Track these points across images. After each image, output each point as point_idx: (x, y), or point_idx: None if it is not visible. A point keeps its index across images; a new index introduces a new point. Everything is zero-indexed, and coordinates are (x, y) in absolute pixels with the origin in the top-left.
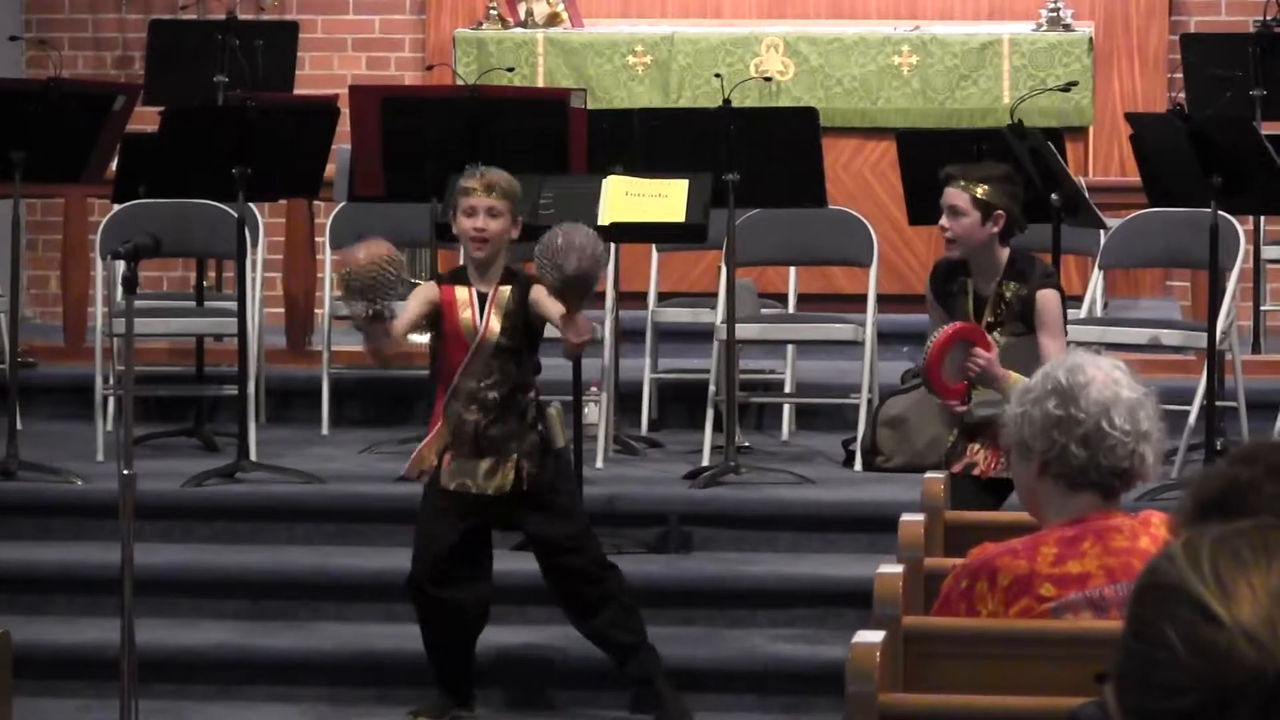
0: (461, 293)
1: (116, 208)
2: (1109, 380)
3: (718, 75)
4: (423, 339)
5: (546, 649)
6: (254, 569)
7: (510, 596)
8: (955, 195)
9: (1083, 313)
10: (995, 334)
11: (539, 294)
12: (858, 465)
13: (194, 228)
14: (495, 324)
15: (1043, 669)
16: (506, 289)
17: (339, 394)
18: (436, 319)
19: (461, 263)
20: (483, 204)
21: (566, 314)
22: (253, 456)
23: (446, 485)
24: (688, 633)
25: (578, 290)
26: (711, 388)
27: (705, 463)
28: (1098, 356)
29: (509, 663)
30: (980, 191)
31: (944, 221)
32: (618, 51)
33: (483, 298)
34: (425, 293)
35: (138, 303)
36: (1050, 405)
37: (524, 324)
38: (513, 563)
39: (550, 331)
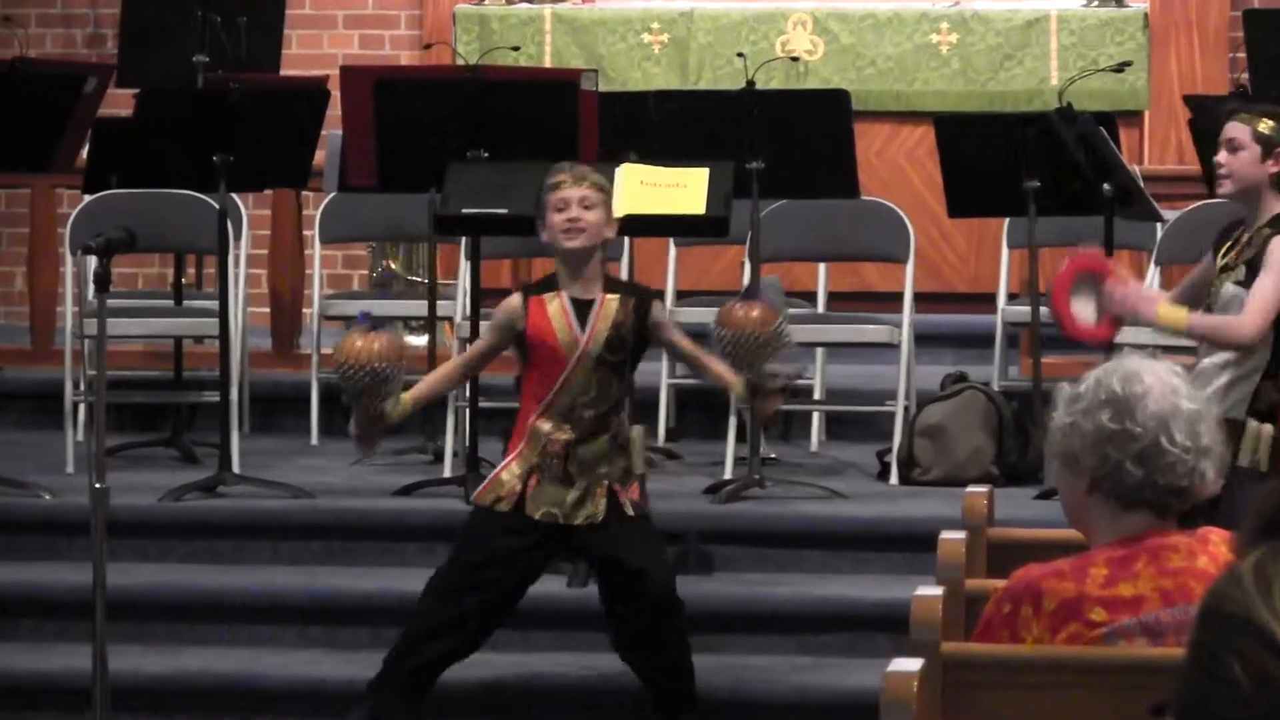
0: (554, 303)
1: (87, 198)
2: (1167, 390)
3: (740, 55)
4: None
5: (543, 675)
6: (236, 590)
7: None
8: (1235, 129)
9: None
10: (1223, 277)
11: (665, 317)
12: (893, 478)
13: (172, 220)
14: (600, 336)
15: (1093, 700)
16: (614, 298)
17: (329, 401)
18: (522, 337)
19: (552, 271)
20: (575, 194)
21: (766, 405)
22: (235, 469)
23: (532, 513)
24: (707, 661)
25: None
26: (733, 394)
27: (727, 476)
28: (1154, 361)
29: (504, 690)
30: (1264, 126)
31: (1220, 156)
32: (632, 29)
33: (581, 306)
34: (501, 320)
35: (111, 302)
36: (1104, 417)
37: (633, 340)
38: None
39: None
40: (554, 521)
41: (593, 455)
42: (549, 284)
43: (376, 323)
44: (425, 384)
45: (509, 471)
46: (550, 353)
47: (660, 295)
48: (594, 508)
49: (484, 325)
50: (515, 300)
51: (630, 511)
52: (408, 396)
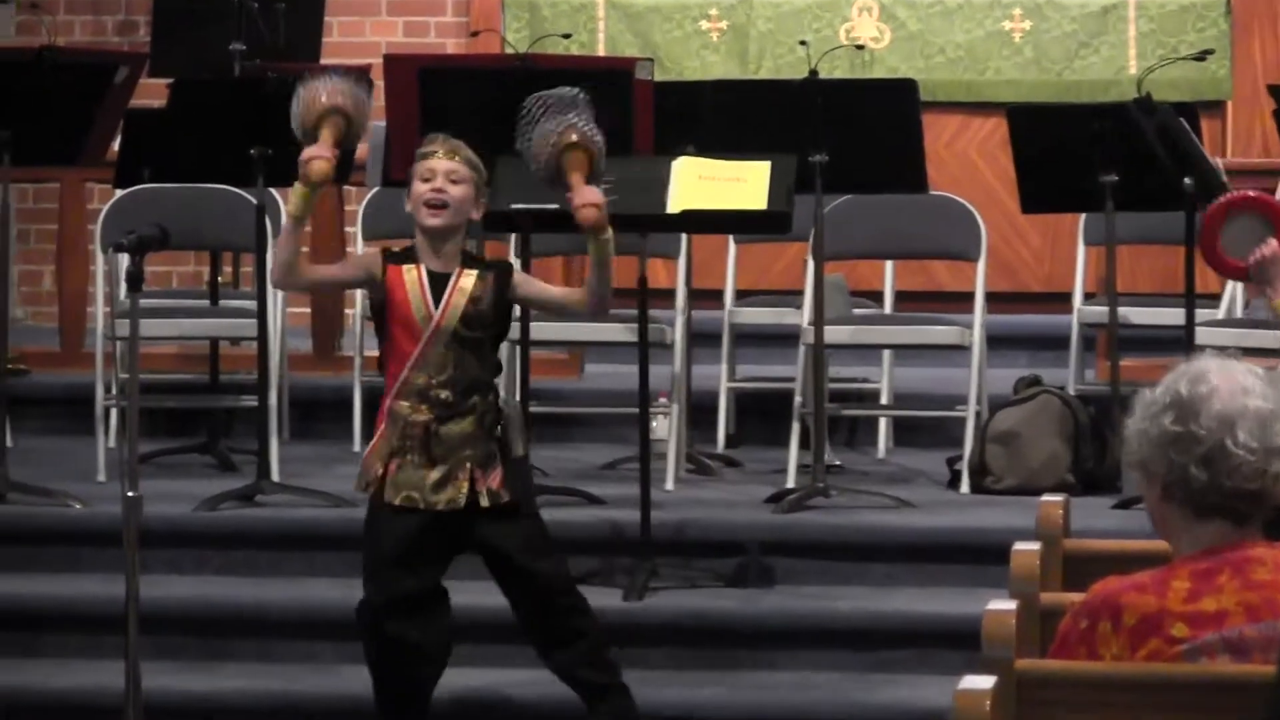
0: (411, 273)
1: (119, 194)
2: (1235, 390)
3: (803, 42)
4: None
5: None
6: (274, 604)
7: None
8: None
9: (1220, 313)
10: None
11: (522, 278)
12: (964, 487)
13: (207, 216)
14: (454, 310)
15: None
16: (473, 273)
17: (372, 406)
18: (381, 306)
19: (411, 242)
20: (442, 166)
21: (572, 182)
22: (274, 477)
23: (391, 499)
24: (769, 678)
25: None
26: (797, 399)
27: (790, 484)
28: (1230, 361)
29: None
30: None
31: None
32: (689, 16)
33: (438, 279)
34: (366, 260)
35: (143, 301)
36: (1167, 421)
37: (493, 315)
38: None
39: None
40: (414, 507)
41: (456, 437)
42: (409, 255)
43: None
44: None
45: (374, 454)
46: (405, 326)
47: (512, 268)
48: (455, 492)
49: (350, 257)
50: (377, 254)
51: (485, 502)
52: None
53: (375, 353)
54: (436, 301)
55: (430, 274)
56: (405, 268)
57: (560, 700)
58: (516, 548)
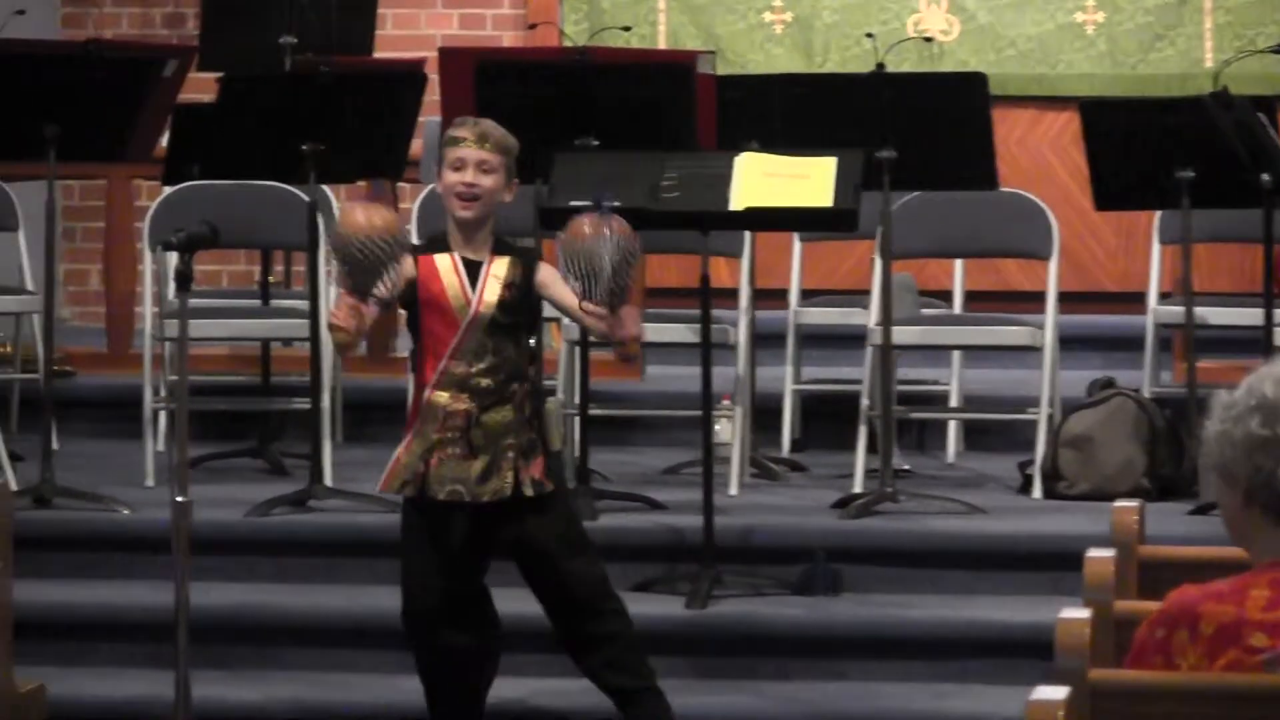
0: (444, 261)
1: (167, 191)
2: None
3: (870, 35)
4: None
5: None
6: (330, 613)
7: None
8: None
9: None
10: None
11: (549, 276)
12: (1036, 492)
13: (258, 214)
14: (491, 296)
15: None
16: (504, 260)
17: None
18: (413, 297)
19: (442, 231)
20: (473, 156)
21: (610, 314)
22: (327, 481)
23: (436, 494)
24: (837, 688)
25: (617, 290)
26: (864, 401)
27: (857, 489)
28: None
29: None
30: None
31: None
32: (753, 7)
33: (472, 266)
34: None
35: (193, 301)
36: (1253, 424)
37: (526, 301)
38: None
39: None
40: (459, 501)
41: (497, 426)
42: (439, 243)
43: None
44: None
45: (409, 453)
46: (442, 315)
47: (540, 256)
48: (500, 482)
49: None
50: (406, 256)
51: (529, 491)
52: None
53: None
54: (473, 287)
55: (464, 261)
56: (437, 256)
57: (593, 707)
58: (551, 544)
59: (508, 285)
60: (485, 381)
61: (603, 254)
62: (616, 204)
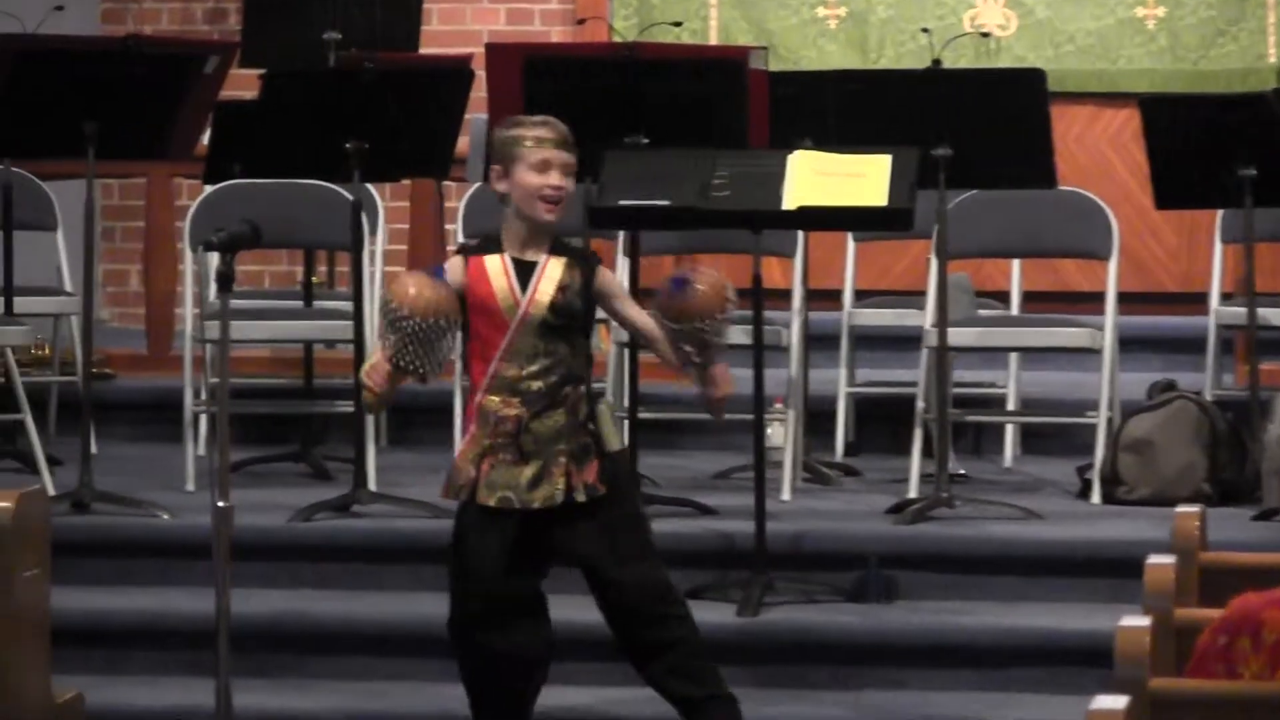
0: (494, 263)
1: (208, 189)
2: None
3: (925, 30)
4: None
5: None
6: (373, 620)
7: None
8: None
9: None
10: None
11: (612, 285)
12: (1095, 497)
13: (301, 213)
14: (543, 298)
15: None
16: (560, 261)
17: None
18: (462, 301)
19: (492, 232)
20: (559, 158)
21: (703, 367)
22: (371, 486)
23: (486, 500)
24: (891, 697)
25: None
26: (919, 404)
27: (912, 494)
28: None
29: None
30: None
31: None
32: (806, 2)
33: (524, 267)
34: (452, 279)
35: (234, 303)
36: None
37: (582, 305)
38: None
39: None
40: (509, 508)
41: (549, 431)
42: (490, 244)
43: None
44: None
45: (463, 457)
46: (490, 317)
47: (600, 261)
48: (550, 488)
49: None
50: (457, 260)
51: (580, 497)
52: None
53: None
54: (523, 289)
55: (516, 262)
56: (487, 258)
57: (657, 716)
58: (604, 549)
59: (562, 287)
60: (536, 385)
61: (705, 322)
62: (688, 279)
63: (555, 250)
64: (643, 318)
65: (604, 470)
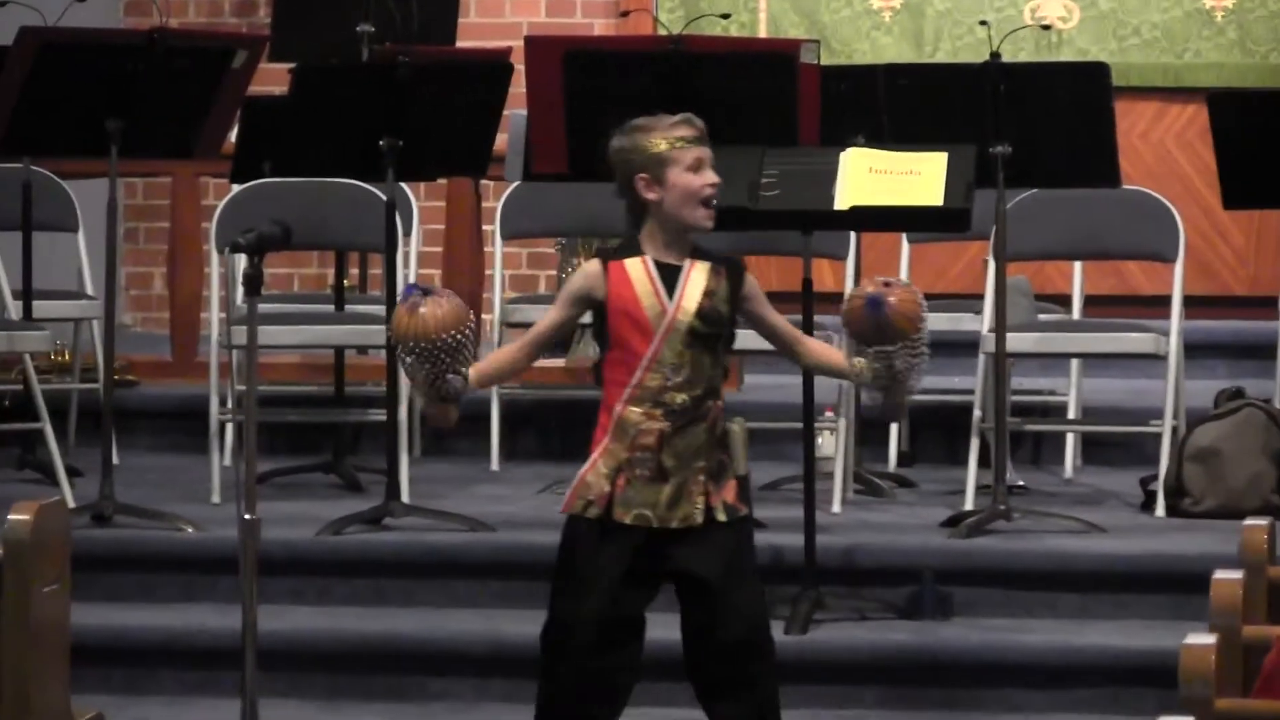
0: (636, 266)
1: (236, 189)
2: None
3: (984, 22)
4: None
5: None
6: (406, 637)
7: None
8: None
9: None
10: None
11: (757, 290)
12: (1159, 509)
13: (332, 213)
14: (690, 304)
15: None
16: (705, 265)
17: (512, 420)
18: (602, 308)
19: (631, 236)
20: (707, 155)
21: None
22: (405, 498)
23: (621, 518)
24: (947, 718)
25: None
26: (976, 412)
27: (968, 506)
28: None
29: None
30: None
31: None
32: None
33: (668, 271)
34: (584, 284)
35: (263, 307)
36: None
37: (728, 312)
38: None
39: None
40: (647, 525)
41: (689, 447)
42: (631, 247)
43: (425, 291)
44: (491, 363)
45: (595, 472)
46: (635, 324)
47: (745, 267)
48: (690, 507)
49: (561, 294)
50: (594, 266)
51: (722, 516)
52: (473, 374)
53: None
54: (670, 294)
55: (659, 265)
56: (628, 261)
57: None
58: (727, 571)
59: (708, 293)
60: (681, 397)
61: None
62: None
63: (698, 255)
64: (785, 324)
65: (742, 490)
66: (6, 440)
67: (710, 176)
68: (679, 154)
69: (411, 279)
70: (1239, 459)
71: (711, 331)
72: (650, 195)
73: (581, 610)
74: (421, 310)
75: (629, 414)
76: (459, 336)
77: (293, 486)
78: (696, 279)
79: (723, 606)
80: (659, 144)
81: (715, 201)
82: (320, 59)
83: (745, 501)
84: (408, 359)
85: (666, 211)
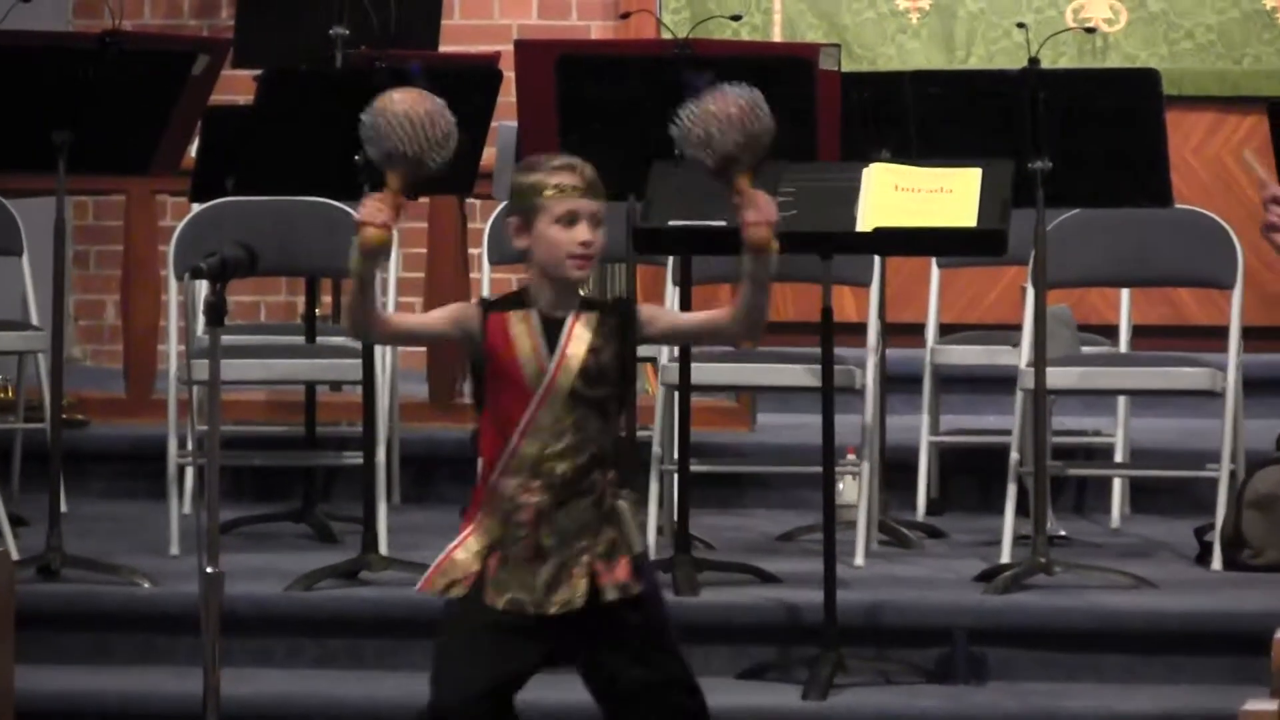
0: (518, 321)
1: (196, 208)
2: None
3: (1021, 25)
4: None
5: None
6: (385, 702)
7: None
8: None
9: None
10: None
11: (652, 312)
12: (1215, 562)
13: (302, 235)
14: (572, 362)
15: None
16: (591, 316)
17: None
18: (479, 363)
19: (520, 286)
20: (588, 208)
21: (740, 188)
22: (383, 550)
23: (494, 602)
24: None
25: (744, 159)
26: (1014, 455)
27: (1004, 559)
28: None
29: None
30: None
31: None
32: None
33: (551, 326)
34: (461, 314)
35: (226, 338)
36: None
37: (617, 368)
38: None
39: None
40: (520, 612)
41: (572, 524)
42: (518, 298)
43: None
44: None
45: (465, 549)
46: (511, 385)
47: (635, 301)
48: (570, 592)
49: (439, 311)
50: (473, 310)
51: (611, 596)
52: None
53: None
54: (550, 351)
55: (544, 320)
56: (513, 315)
57: None
58: (650, 667)
59: (593, 349)
60: (562, 467)
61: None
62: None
63: (585, 305)
64: (700, 314)
65: (636, 566)
66: None
67: (581, 234)
68: (550, 203)
69: (390, 308)
70: None
71: (598, 394)
72: (519, 242)
73: (449, 706)
74: (397, 95)
75: (504, 485)
76: (446, 127)
77: (259, 537)
78: (580, 334)
79: (667, 695)
80: (534, 190)
81: (587, 262)
82: (289, 64)
83: (644, 578)
84: (400, 126)
85: (538, 262)
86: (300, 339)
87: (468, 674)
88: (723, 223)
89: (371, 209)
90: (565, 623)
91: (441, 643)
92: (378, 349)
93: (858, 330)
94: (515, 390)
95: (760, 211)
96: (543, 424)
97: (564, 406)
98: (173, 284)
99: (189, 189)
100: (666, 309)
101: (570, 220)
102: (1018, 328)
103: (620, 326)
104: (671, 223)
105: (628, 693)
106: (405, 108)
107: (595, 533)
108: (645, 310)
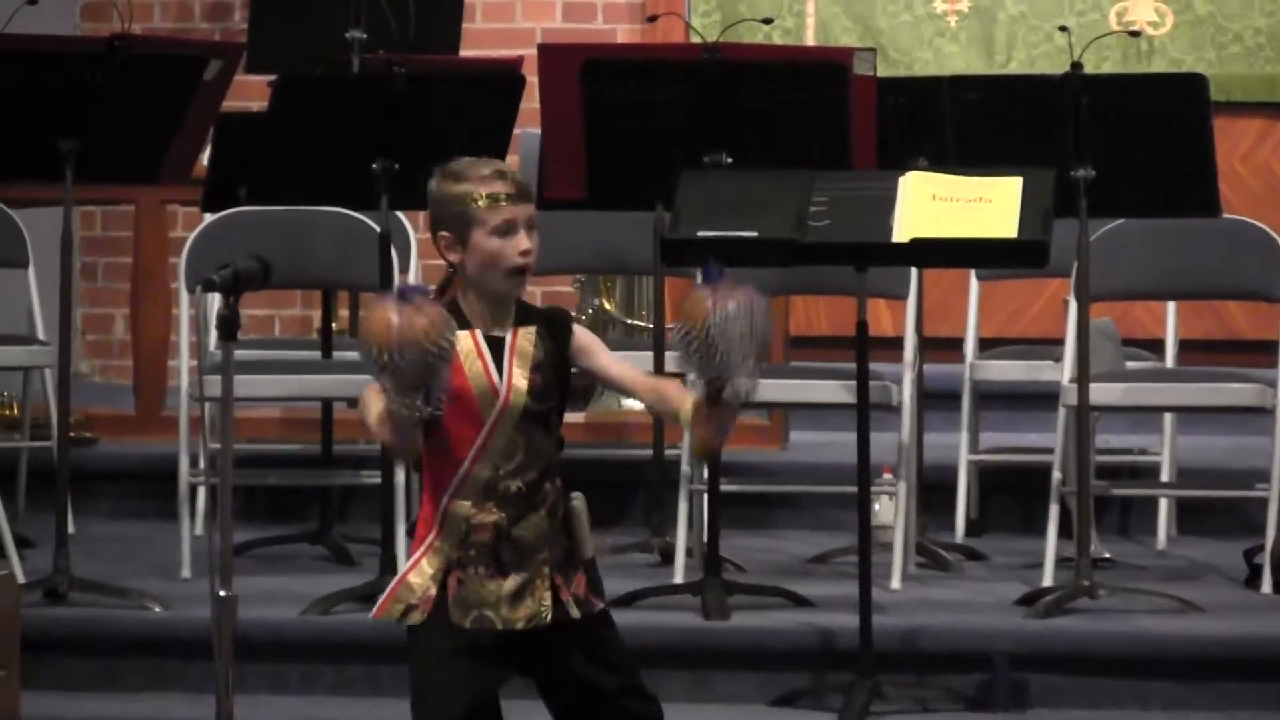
0: (465, 342)
1: (208, 218)
2: None
3: (1063, 28)
4: None
5: None
6: None
7: None
8: None
9: None
10: None
11: (589, 341)
12: (1265, 585)
13: (318, 246)
14: (521, 380)
15: None
16: (530, 330)
17: None
18: None
19: (445, 302)
20: (523, 214)
21: (725, 402)
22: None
23: (460, 622)
24: None
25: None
26: (1056, 474)
27: (1047, 582)
28: None
29: None
30: None
31: None
32: None
33: (495, 345)
34: None
35: (239, 353)
36: None
37: (556, 380)
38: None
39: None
40: (488, 629)
41: (531, 537)
42: (457, 317)
43: (410, 294)
44: None
45: (418, 572)
46: (463, 409)
47: (571, 318)
48: (536, 605)
49: None
50: None
51: (574, 613)
52: None
53: None
54: (499, 371)
55: (487, 340)
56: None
57: None
58: (606, 679)
59: (536, 365)
60: (515, 485)
61: (737, 335)
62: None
63: (521, 318)
64: (626, 370)
65: (592, 580)
66: None
67: (522, 243)
68: (484, 214)
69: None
70: None
71: (543, 408)
72: (451, 257)
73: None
74: (410, 314)
75: (458, 507)
76: (446, 345)
77: (274, 559)
78: (523, 349)
79: (623, 700)
80: (464, 200)
81: (528, 271)
82: (304, 69)
83: (596, 592)
84: (396, 367)
85: (472, 276)
86: (316, 354)
87: (447, 699)
88: (754, 233)
89: (378, 433)
90: (533, 636)
91: (415, 670)
92: None
93: (894, 345)
94: (468, 414)
95: (722, 435)
96: (496, 446)
97: (515, 427)
98: (184, 297)
99: (200, 199)
100: (597, 343)
101: (507, 230)
102: (1060, 342)
103: (556, 340)
104: (701, 233)
105: (600, 701)
106: (403, 331)
107: (552, 544)
108: (579, 334)
